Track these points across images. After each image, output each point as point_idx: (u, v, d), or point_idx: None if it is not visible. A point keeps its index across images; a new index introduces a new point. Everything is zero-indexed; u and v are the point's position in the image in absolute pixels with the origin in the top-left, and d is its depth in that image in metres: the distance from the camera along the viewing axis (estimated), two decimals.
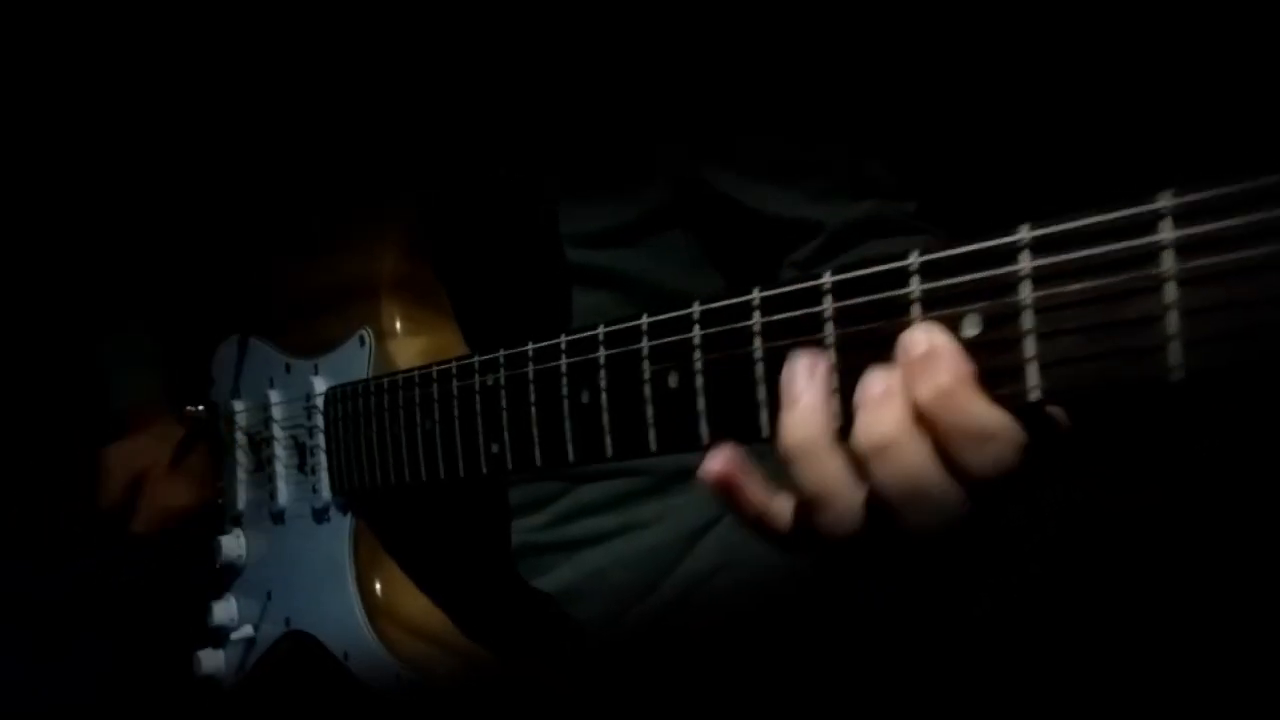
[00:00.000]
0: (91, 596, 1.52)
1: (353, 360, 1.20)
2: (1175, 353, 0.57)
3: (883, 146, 1.22)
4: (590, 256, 1.29)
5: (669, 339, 0.82)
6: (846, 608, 1.19)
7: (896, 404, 0.66)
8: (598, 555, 1.34)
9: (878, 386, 0.67)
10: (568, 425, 0.91)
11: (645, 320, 0.84)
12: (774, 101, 1.25)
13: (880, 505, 0.69)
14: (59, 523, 1.52)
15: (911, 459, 0.66)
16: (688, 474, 1.34)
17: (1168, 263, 0.57)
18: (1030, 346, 0.62)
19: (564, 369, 0.91)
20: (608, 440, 0.88)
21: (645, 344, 0.84)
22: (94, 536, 1.50)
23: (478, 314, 1.20)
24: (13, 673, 1.53)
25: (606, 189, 1.30)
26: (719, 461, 0.75)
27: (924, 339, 0.66)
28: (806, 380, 0.71)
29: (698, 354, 0.80)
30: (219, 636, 1.40)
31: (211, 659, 1.40)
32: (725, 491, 0.76)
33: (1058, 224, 0.61)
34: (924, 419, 0.66)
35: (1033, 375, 0.63)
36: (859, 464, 0.69)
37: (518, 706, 1.20)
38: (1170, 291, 0.56)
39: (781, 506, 0.76)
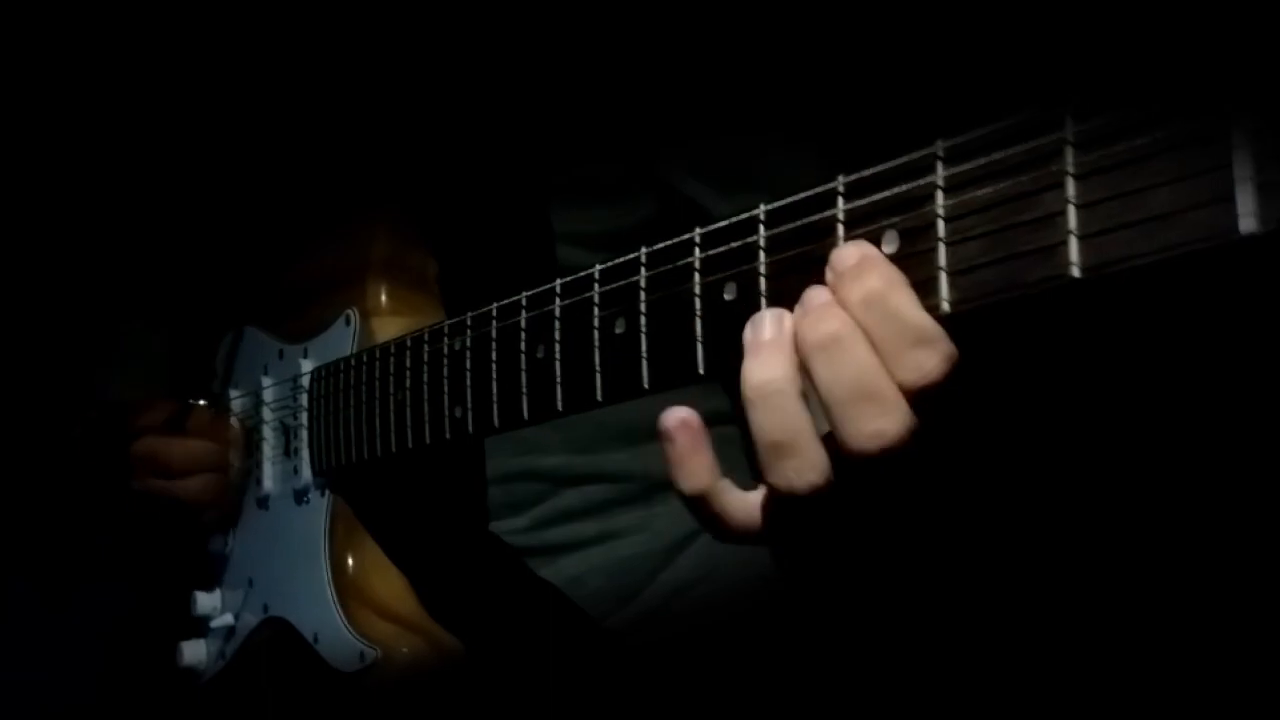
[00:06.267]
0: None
1: (338, 340, 1.22)
2: (1074, 248, 0.56)
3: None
4: (584, 258, 1.30)
5: (618, 283, 0.83)
6: (821, 615, 1.18)
7: (839, 311, 0.67)
8: (576, 562, 1.33)
9: (822, 295, 0.67)
10: (524, 381, 0.92)
11: (598, 269, 0.85)
12: (753, 118, 1.26)
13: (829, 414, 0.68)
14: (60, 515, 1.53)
15: (858, 355, 0.66)
16: (668, 484, 1.35)
17: (1068, 159, 0.57)
18: (941, 257, 0.63)
19: (523, 324, 0.92)
20: (559, 394, 0.89)
21: (596, 291, 0.85)
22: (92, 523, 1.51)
23: (465, 301, 1.21)
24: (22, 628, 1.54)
25: (606, 193, 1.31)
26: (683, 411, 0.73)
27: (854, 252, 0.66)
28: (774, 326, 0.70)
29: (642, 295, 0.81)
30: (201, 626, 1.40)
31: (193, 650, 1.40)
32: (682, 441, 0.73)
33: (970, 133, 0.62)
34: (860, 327, 0.66)
35: (943, 286, 0.63)
36: (804, 368, 0.68)
37: (482, 690, 1.19)
38: (1070, 187, 0.57)
39: (727, 488, 0.75)
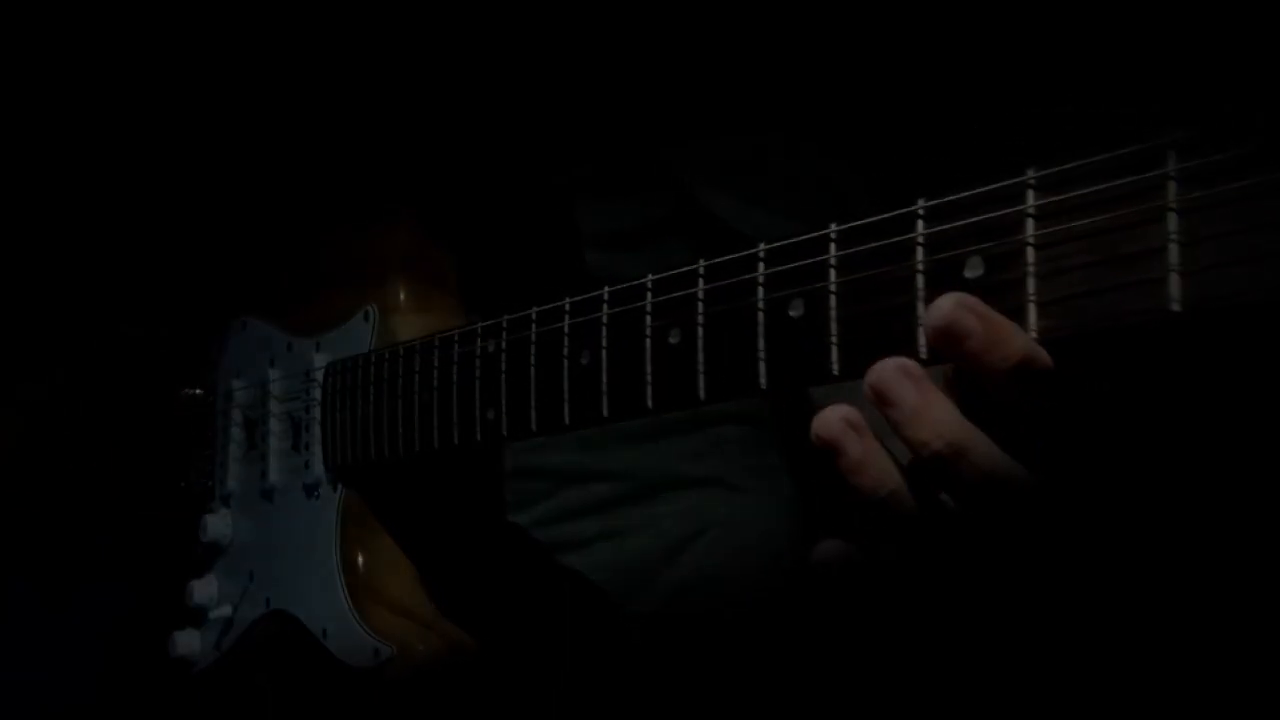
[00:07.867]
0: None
1: (356, 335, 1.20)
2: (1175, 283, 0.57)
3: (876, 169, 1.23)
4: (588, 256, 1.30)
5: (673, 294, 0.83)
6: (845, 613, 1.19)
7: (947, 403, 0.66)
8: (578, 560, 1.33)
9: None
10: (566, 387, 0.92)
11: (650, 278, 0.85)
12: (768, 126, 1.26)
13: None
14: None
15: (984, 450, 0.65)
16: (671, 484, 1.35)
17: (1171, 194, 0.57)
18: (1030, 285, 0.63)
19: (566, 329, 0.92)
20: (605, 401, 0.88)
21: (649, 300, 0.85)
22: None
23: (486, 298, 1.21)
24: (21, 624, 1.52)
25: (614, 192, 1.31)
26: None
27: (975, 320, 0.63)
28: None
29: (700, 308, 0.81)
30: (197, 617, 1.38)
31: (187, 640, 1.39)
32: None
33: (1063, 163, 0.62)
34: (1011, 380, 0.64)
35: (1032, 314, 0.63)
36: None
37: (496, 689, 1.18)
38: (1172, 222, 0.57)
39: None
